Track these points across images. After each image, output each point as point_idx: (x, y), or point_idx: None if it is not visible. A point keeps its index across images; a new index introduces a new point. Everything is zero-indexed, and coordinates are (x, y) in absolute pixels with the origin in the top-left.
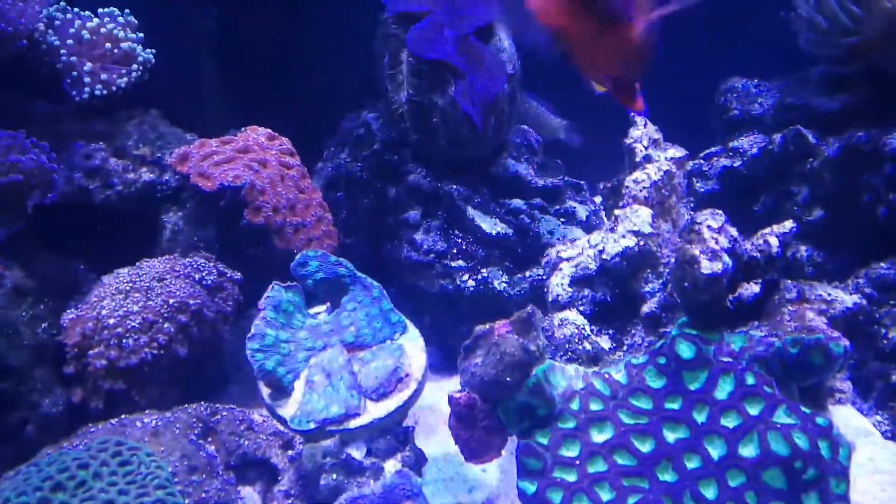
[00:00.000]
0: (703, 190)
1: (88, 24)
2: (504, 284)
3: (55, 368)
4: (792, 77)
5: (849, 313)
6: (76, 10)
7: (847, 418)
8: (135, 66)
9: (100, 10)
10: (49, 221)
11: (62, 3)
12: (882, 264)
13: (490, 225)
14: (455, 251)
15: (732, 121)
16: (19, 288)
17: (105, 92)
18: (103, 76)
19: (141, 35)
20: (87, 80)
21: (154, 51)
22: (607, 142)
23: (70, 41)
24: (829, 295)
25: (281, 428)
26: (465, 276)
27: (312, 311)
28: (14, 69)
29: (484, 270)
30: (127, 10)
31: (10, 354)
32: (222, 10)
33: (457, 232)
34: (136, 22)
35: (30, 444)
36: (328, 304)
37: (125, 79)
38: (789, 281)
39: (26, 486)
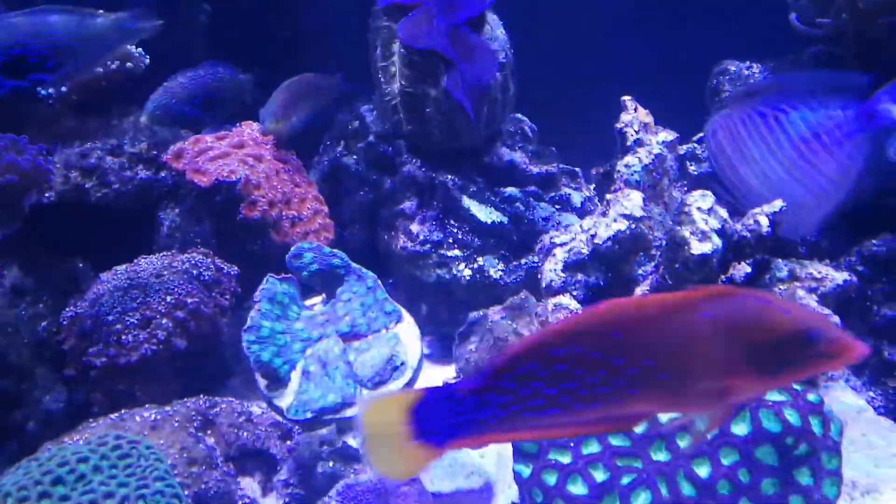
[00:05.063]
0: (696, 173)
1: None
2: (500, 272)
3: (56, 366)
4: (784, 58)
5: (839, 290)
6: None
7: (840, 395)
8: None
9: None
10: (47, 220)
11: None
12: (874, 241)
13: (485, 214)
14: (451, 240)
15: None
16: (17, 287)
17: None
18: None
19: None
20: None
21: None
22: (602, 128)
23: None
24: (820, 273)
25: (279, 419)
26: (461, 265)
27: (308, 302)
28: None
29: (480, 259)
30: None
31: (11, 353)
32: (214, 4)
33: (452, 221)
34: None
35: (31, 440)
36: (324, 295)
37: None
38: (780, 260)
39: (27, 481)
